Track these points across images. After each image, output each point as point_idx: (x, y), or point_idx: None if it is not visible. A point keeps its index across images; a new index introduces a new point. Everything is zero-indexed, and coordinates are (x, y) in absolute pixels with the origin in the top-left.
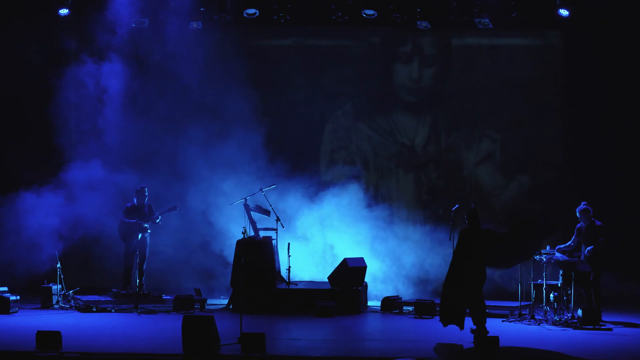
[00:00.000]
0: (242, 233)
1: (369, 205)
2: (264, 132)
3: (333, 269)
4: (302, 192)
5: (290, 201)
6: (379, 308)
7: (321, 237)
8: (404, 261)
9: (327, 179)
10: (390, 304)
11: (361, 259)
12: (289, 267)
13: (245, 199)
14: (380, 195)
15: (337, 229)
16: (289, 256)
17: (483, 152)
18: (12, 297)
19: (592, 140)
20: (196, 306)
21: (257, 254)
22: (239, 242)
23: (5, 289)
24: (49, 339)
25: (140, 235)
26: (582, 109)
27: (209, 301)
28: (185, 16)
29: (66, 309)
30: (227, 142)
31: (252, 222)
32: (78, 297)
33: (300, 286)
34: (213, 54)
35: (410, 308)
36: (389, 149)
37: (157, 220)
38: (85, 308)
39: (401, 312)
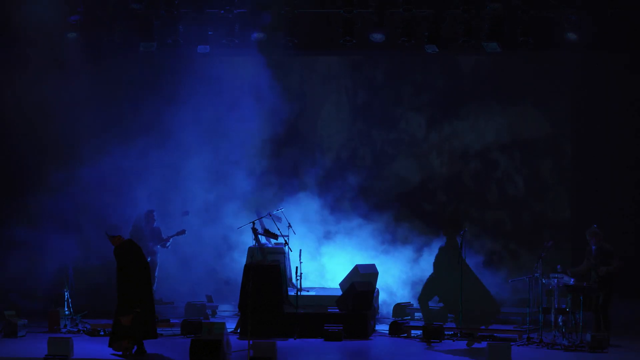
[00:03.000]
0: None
1: (367, 195)
2: (259, 121)
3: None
4: (295, 183)
5: (283, 194)
6: (387, 332)
7: (316, 233)
8: (403, 255)
9: (324, 166)
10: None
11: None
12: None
13: (253, 223)
14: (378, 184)
15: (332, 224)
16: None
17: (489, 136)
18: (20, 322)
19: (601, 128)
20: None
21: (265, 278)
22: (246, 267)
23: (13, 312)
24: (59, 344)
25: (149, 259)
26: (592, 101)
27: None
28: (193, 40)
29: (74, 332)
30: (224, 132)
31: (260, 245)
32: (86, 320)
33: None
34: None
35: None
36: (389, 135)
37: (168, 244)
38: (93, 332)
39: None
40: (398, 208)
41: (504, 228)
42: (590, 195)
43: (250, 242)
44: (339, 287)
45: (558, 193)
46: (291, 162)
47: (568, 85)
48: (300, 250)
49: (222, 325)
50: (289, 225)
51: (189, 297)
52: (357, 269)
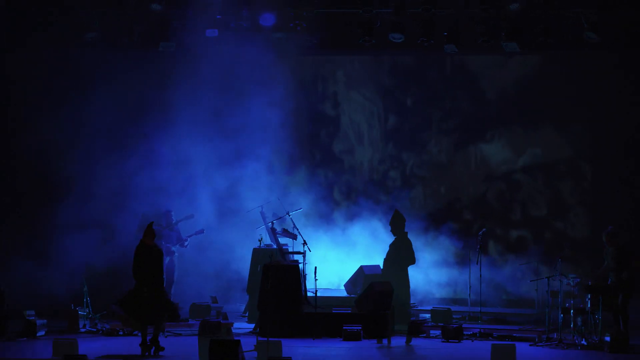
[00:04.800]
0: (259, 240)
1: (361, 185)
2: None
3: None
4: (328, 202)
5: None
6: (406, 331)
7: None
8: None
9: (357, 187)
10: (417, 328)
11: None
12: (316, 290)
13: (272, 223)
14: (408, 204)
15: (372, 240)
16: (316, 280)
17: (513, 159)
18: (39, 321)
19: (619, 151)
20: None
21: (284, 278)
22: (265, 266)
23: (32, 312)
24: (65, 346)
25: (168, 259)
26: (609, 124)
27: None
28: (202, 24)
29: (92, 332)
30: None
31: (279, 246)
32: (104, 320)
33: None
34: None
35: (438, 332)
36: (418, 157)
37: (186, 244)
38: (111, 332)
39: (428, 336)
40: (427, 227)
41: (526, 246)
42: (608, 215)
43: (255, 243)
44: (343, 288)
45: (578, 213)
46: (325, 183)
47: (587, 108)
48: (315, 267)
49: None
50: (304, 243)
51: (194, 299)
52: (362, 270)
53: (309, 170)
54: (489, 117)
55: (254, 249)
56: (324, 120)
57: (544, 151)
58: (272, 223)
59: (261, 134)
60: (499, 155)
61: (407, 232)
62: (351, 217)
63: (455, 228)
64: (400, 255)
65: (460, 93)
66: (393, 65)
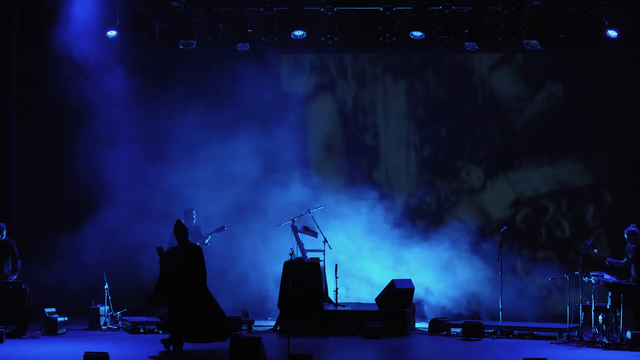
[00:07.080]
0: (290, 255)
1: (399, 209)
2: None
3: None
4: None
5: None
6: (427, 329)
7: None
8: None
9: (394, 210)
10: (438, 326)
11: (409, 281)
12: (337, 288)
13: (293, 220)
14: (441, 227)
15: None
16: (337, 277)
17: (539, 185)
18: (60, 319)
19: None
20: (243, 327)
21: (305, 276)
22: (286, 264)
23: (53, 309)
24: None
25: None
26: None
27: (257, 322)
28: (233, 38)
29: (114, 330)
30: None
31: (300, 244)
32: (126, 318)
33: (347, 308)
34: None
35: (459, 330)
36: (451, 184)
37: (206, 242)
38: (133, 329)
39: (449, 334)
40: (460, 247)
41: (552, 265)
42: None
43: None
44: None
45: (599, 236)
46: (364, 206)
47: (607, 139)
48: (336, 265)
49: (258, 341)
50: (325, 240)
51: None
52: (393, 284)
53: (348, 195)
54: (517, 146)
55: (285, 263)
56: (365, 149)
57: (568, 178)
58: (293, 221)
59: (298, 157)
60: (526, 182)
61: None
62: (390, 240)
63: (486, 249)
64: None
65: (491, 125)
66: (428, 99)
